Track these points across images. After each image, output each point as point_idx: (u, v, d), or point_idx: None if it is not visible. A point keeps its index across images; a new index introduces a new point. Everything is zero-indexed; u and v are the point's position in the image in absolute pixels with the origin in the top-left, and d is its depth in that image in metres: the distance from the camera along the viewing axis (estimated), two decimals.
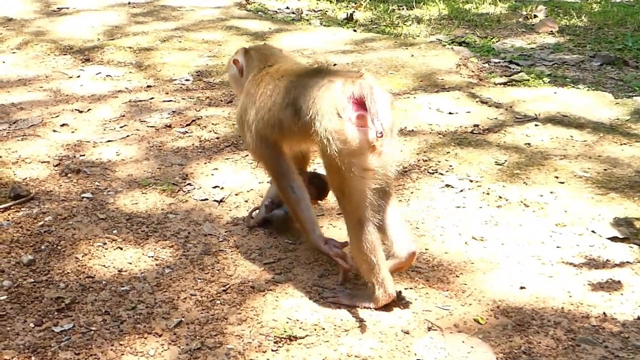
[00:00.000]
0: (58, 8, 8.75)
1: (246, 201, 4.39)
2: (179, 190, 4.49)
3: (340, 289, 3.49)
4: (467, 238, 3.97)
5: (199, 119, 5.51)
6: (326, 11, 9.31)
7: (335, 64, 6.55)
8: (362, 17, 9.01)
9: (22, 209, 4.26)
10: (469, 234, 4.00)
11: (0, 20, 8.33)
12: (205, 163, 4.86)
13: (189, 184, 4.57)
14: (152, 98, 5.97)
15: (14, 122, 5.51)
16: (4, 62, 6.98)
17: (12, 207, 4.27)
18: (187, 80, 6.36)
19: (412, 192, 4.44)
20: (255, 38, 7.45)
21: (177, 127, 5.39)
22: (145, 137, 5.24)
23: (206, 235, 4.02)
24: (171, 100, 5.90)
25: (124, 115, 5.63)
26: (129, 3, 8.88)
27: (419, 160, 4.76)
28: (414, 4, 9.60)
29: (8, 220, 4.12)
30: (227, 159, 4.90)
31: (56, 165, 4.81)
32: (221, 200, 4.40)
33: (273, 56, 3.73)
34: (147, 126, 5.42)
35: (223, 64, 6.64)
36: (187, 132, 5.32)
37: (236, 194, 4.48)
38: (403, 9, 9.58)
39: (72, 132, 5.35)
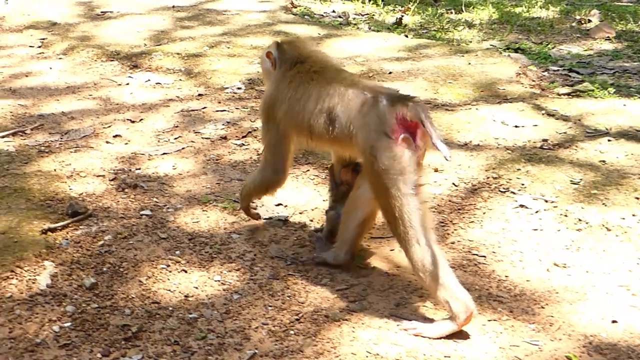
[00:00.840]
0: (102, 12, 8.62)
1: (311, 220, 4.21)
2: (240, 208, 4.29)
3: (419, 321, 3.29)
4: (548, 264, 3.76)
5: (254, 130, 5.34)
6: (373, 15, 9.09)
7: (390, 72, 6.33)
8: (411, 21, 8.79)
9: (80, 226, 4.11)
10: (550, 260, 3.79)
11: (45, 24, 8.18)
12: None
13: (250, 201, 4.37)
14: (205, 107, 5.80)
15: (66, 132, 5.37)
16: (51, 68, 6.85)
17: (70, 225, 4.10)
18: (238, 88, 6.18)
19: (484, 213, 4.22)
20: None
21: (232, 138, 5.22)
22: (201, 149, 5.07)
23: (273, 257, 3.84)
24: (224, 110, 5.72)
25: (177, 126, 5.46)
26: (174, 7, 8.72)
27: (488, 178, 4.55)
28: (462, 7, 9.33)
29: (67, 239, 3.96)
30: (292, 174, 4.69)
31: (112, 180, 4.65)
32: (285, 220, 4.21)
33: (305, 51, 3.69)
34: (202, 138, 5.25)
35: None
36: (243, 144, 5.14)
37: (300, 213, 4.29)
38: (452, 12, 9.35)
39: (126, 143, 5.18)
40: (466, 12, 9.34)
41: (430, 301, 3.47)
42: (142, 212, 4.27)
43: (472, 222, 4.15)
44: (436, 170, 4.64)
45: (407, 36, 7.81)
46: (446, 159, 2.98)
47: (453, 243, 3.98)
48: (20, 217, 4.13)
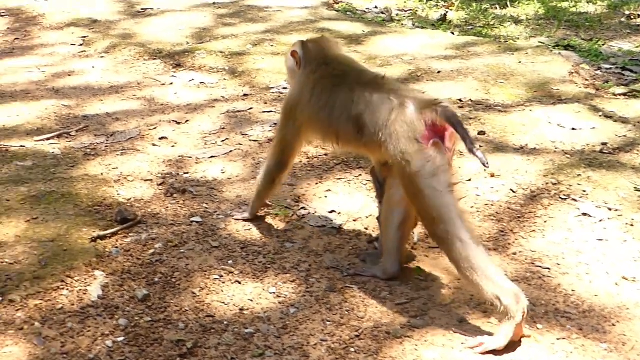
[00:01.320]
0: (142, 9, 8.53)
1: (366, 229, 4.08)
2: (292, 215, 4.19)
3: (482, 338, 3.16)
4: (616, 278, 3.60)
5: None
6: (416, 10, 8.92)
7: (439, 72, 6.17)
8: (456, 17, 8.61)
9: (130, 234, 4.01)
10: (617, 273, 3.63)
11: (85, 21, 8.11)
12: (316, 184, 4.55)
13: (302, 207, 4.27)
14: (251, 108, 5.68)
15: (111, 134, 5.27)
16: (93, 67, 6.76)
17: (119, 232, 4.00)
18: (284, 88, 6.06)
19: (545, 222, 4.06)
20: (350, 42, 7.12)
21: None
22: (249, 152, 4.95)
23: (328, 268, 3.72)
24: (271, 111, 5.60)
25: (224, 128, 5.35)
26: (214, 3, 8.62)
27: (547, 184, 4.38)
28: (507, 2, 9.12)
29: (117, 247, 3.86)
30: (339, 179, 4.59)
31: (160, 184, 4.54)
32: (339, 228, 4.08)
33: (330, 52, 3.67)
34: (250, 140, 5.14)
35: None
36: None
37: (354, 220, 4.17)
38: (496, 7, 9.14)
39: (172, 146, 5.08)
40: (511, 7, 9.09)
41: (483, 306, 3.36)
42: (192, 219, 4.16)
43: (533, 231, 4.00)
44: (492, 176, 4.48)
45: (453, 33, 7.62)
46: (485, 166, 2.99)
47: (515, 254, 3.83)
48: (69, 223, 4.03)
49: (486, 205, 4.26)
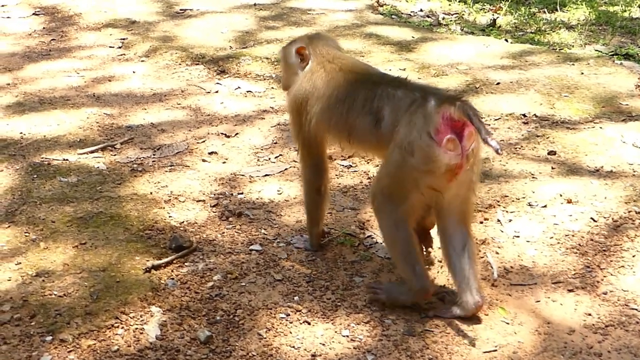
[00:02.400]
0: (181, 9, 8.23)
1: (440, 261, 3.72)
2: (359, 244, 3.88)
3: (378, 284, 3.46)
4: None
5: None
6: (462, 14, 8.57)
7: (498, 83, 5.83)
8: (505, 22, 8.24)
9: (185, 263, 3.71)
10: None
11: (123, 22, 7.82)
12: None
13: (369, 235, 3.96)
14: None
15: (158, 147, 4.98)
16: (134, 72, 6.47)
17: (174, 261, 3.69)
18: None
19: (634, 256, 3.75)
20: (399, 48, 6.80)
21: (338, 158, 4.78)
22: None
23: (404, 308, 3.37)
24: None
25: (276, 142, 5.04)
26: (255, 4, 8.31)
27: (630, 212, 4.04)
28: (557, 6, 8.75)
29: (173, 278, 3.57)
30: None
31: (214, 206, 4.26)
32: None
33: (334, 49, 3.68)
34: None
35: None
36: (350, 165, 4.70)
37: (426, 252, 3.81)
38: (544, 12, 8.75)
39: (224, 162, 4.78)
40: (560, 11, 8.73)
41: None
42: (251, 247, 3.87)
43: (622, 266, 3.68)
44: (570, 202, 4.14)
45: (507, 40, 7.26)
46: (497, 153, 2.91)
47: (605, 294, 3.51)
48: (120, 250, 3.75)
49: (567, 235, 3.94)
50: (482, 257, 3.81)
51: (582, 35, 7.81)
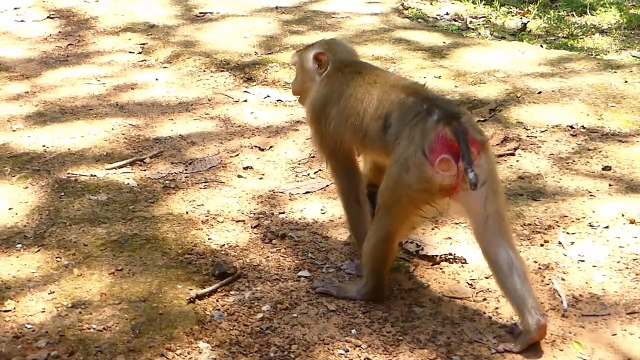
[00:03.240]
0: (201, 13, 7.96)
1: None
2: (413, 270, 3.58)
3: (329, 280, 3.52)
4: None
5: None
6: (489, 18, 8.30)
7: (539, 92, 5.56)
8: (535, 26, 7.97)
9: (230, 292, 3.45)
10: None
11: (142, 26, 7.54)
12: (432, 229, 3.97)
13: (418, 256, 3.67)
14: None
15: (190, 162, 4.72)
16: (157, 79, 6.21)
17: (218, 289, 3.42)
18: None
19: None
20: (432, 55, 6.53)
21: None
22: None
23: (471, 342, 3.13)
24: None
25: (313, 156, 4.78)
26: (277, 8, 8.04)
27: None
28: (587, 9, 8.48)
29: (219, 309, 3.31)
30: (456, 223, 4.01)
31: (255, 227, 4.00)
32: (471, 285, 3.48)
33: (351, 53, 3.67)
34: None
35: None
36: None
37: (486, 277, 3.54)
38: (573, 15, 8.48)
39: (260, 178, 4.52)
40: (590, 14, 8.46)
41: None
42: (299, 274, 3.60)
43: None
44: (633, 222, 3.88)
45: (542, 46, 6.99)
46: (471, 187, 2.83)
47: None
48: (160, 277, 3.49)
49: (635, 260, 3.70)
50: (547, 284, 3.56)
51: (616, 40, 7.53)
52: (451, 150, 2.93)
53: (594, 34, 7.75)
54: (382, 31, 7.34)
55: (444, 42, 6.96)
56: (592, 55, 6.94)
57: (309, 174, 4.62)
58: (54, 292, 3.43)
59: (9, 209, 4.19)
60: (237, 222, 4.08)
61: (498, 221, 3.10)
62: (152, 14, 7.94)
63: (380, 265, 3.32)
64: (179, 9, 8.13)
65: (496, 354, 3.13)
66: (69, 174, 4.57)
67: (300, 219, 4.13)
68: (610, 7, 8.75)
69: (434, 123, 2.99)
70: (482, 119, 5.23)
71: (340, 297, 3.49)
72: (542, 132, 5.02)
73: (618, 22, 8.31)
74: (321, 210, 4.21)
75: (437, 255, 3.73)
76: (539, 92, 5.63)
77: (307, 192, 4.40)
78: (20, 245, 3.84)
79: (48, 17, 8.02)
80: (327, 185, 4.47)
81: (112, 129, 5.26)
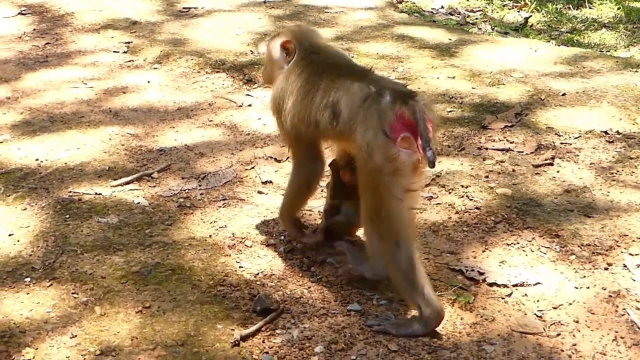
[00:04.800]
0: (185, 8, 7.51)
1: (576, 321, 3.10)
2: (474, 300, 3.20)
3: (384, 316, 3.22)
4: None
5: (438, 176, 4.21)
6: (486, 11, 7.95)
7: (563, 94, 5.23)
8: (535, 20, 7.65)
9: (276, 330, 3.02)
10: None
11: (122, 22, 7.07)
12: (483, 251, 3.62)
13: (484, 280, 3.29)
14: None
15: (202, 176, 4.33)
16: (148, 81, 5.75)
17: (263, 328, 3.00)
18: None
19: None
20: (440, 53, 6.20)
21: None
22: None
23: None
24: None
25: None
26: (265, 2, 7.63)
27: None
28: (585, 2, 8.20)
29: (267, 352, 2.95)
30: (508, 244, 3.67)
31: (288, 252, 3.66)
32: (540, 317, 3.13)
33: (319, 41, 3.55)
34: None
35: (420, 89, 5.43)
36: (431, 196, 4.04)
37: (554, 307, 3.20)
38: (570, 8, 8.20)
39: (283, 193, 4.07)
40: (584, 7, 8.19)
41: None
42: (348, 307, 3.22)
43: None
44: None
45: (550, 42, 6.65)
46: (429, 166, 2.88)
47: None
48: (195, 315, 3.09)
49: None
50: (622, 315, 3.19)
51: (622, 36, 7.24)
52: (410, 129, 2.94)
53: (597, 29, 7.44)
54: (381, 27, 6.96)
55: (450, 39, 6.62)
56: (602, 52, 6.62)
57: None
58: (76, 335, 3.01)
59: (9, 235, 3.74)
60: (267, 246, 3.68)
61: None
62: (133, 9, 7.46)
63: (415, 276, 3.09)
64: (160, 4, 7.67)
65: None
66: (70, 192, 4.12)
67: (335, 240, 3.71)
68: (605, 1, 8.46)
69: (389, 103, 2.98)
70: (509, 124, 4.88)
71: (400, 336, 3.16)
72: (576, 138, 4.69)
73: (617, 15, 8.05)
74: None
75: (503, 284, 3.33)
76: (563, 94, 5.32)
77: None
78: (28, 278, 3.38)
79: (19, 13, 7.49)
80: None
81: (110, 139, 4.80)
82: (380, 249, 3.12)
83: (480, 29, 7.38)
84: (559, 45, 6.64)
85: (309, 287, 3.40)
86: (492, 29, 7.33)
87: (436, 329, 3.11)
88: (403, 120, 2.96)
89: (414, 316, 3.12)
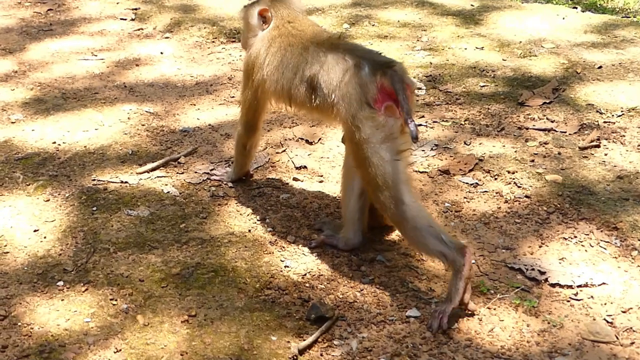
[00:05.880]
0: None
1: None
2: (538, 305, 3.00)
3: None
4: None
5: (481, 160, 3.98)
6: None
7: (599, 67, 4.99)
8: None
9: (333, 341, 2.83)
10: None
11: None
12: (539, 246, 3.41)
13: (539, 285, 3.09)
14: None
15: (232, 161, 4.00)
16: (161, 52, 5.47)
17: (319, 339, 2.80)
18: (419, 88, 4.82)
19: None
20: (464, 20, 5.98)
21: (457, 173, 3.93)
22: (425, 190, 3.85)
23: None
24: (420, 125, 4.36)
25: None
26: None
27: None
28: None
29: None
30: (565, 238, 3.46)
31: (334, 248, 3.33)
32: (610, 324, 2.94)
33: (295, 12, 3.52)
34: (414, 170, 3.90)
35: (449, 62, 5.13)
36: (477, 183, 3.81)
37: (624, 311, 3.01)
38: None
39: (320, 181, 4.03)
40: None
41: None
42: (407, 313, 2.99)
43: None
44: None
45: (576, 7, 6.40)
46: (413, 140, 2.88)
47: None
48: (246, 325, 2.90)
49: None
50: None
51: None
52: (391, 98, 2.97)
53: None
54: None
55: (472, 5, 6.37)
56: (628, 17, 6.35)
57: None
58: (120, 349, 2.79)
59: (35, 230, 3.48)
60: (311, 241, 3.42)
61: None
62: None
63: (430, 229, 3.07)
64: None
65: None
66: (94, 180, 3.86)
67: (383, 235, 3.50)
68: None
69: (369, 75, 2.99)
70: (547, 101, 4.65)
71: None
72: (619, 116, 4.47)
73: None
74: None
75: (567, 285, 3.13)
76: (599, 67, 5.09)
77: None
78: (61, 282, 3.15)
79: None
80: None
81: (128, 118, 4.53)
82: (391, 212, 3.08)
83: None
84: (583, 11, 6.33)
85: (362, 290, 3.18)
86: None
87: (471, 262, 3.03)
88: (384, 90, 2.97)
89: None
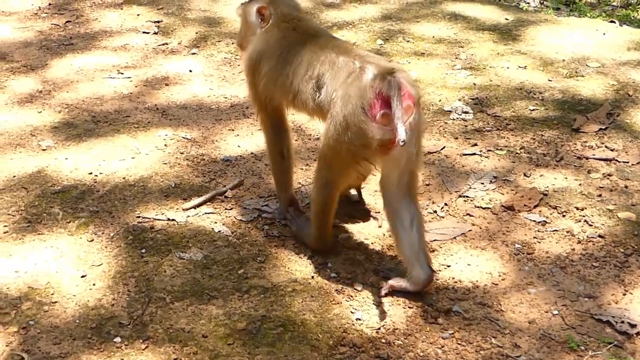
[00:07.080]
0: None
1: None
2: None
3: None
4: None
5: (545, 195, 3.77)
6: None
7: None
8: None
9: None
10: None
11: None
12: (623, 293, 3.24)
13: (630, 340, 2.89)
14: (444, 148, 4.20)
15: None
16: (190, 70, 5.24)
17: None
18: (465, 112, 4.61)
19: None
20: (501, 36, 5.79)
21: (522, 209, 3.72)
22: (491, 230, 3.64)
23: None
24: (474, 154, 4.14)
25: (428, 184, 3.91)
26: None
27: None
28: None
29: None
30: None
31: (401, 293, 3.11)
32: None
33: (294, 11, 3.54)
34: (476, 206, 3.70)
35: (493, 82, 4.92)
36: (545, 221, 3.59)
37: None
38: None
39: (375, 218, 3.61)
40: None
41: None
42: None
43: None
44: None
45: (613, 22, 6.20)
46: (399, 144, 2.80)
47: None
48: None
49: None
50: None
51: None
52: (389, 106, 2.89)
53: None
54: (428, 4, 6.49)
55: (507, 19, 6.16)
56: None
57: (435, 211, 3.74)
58: None
59: (82, 276, 3.24)
60: (379, 289, 3.19)
61: (411, 178, 3.18)
62: None
63: (322, 214, 3.31)
64: None
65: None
66: (138, 217, 3.63)
67: (455, 282, 3.31)
68: None
69: (370, 80, 2.96)
70: (603, 127, 4.42)
71: (297, 235, 3.60)
72: None
73: None
74: (476, 265, 3.36)
75: None
76: None
77: (450, 239, 3.52)
78: (118, 338, 2.92)
79: None
80: (469, 231, 3.62)
81: (165, 145, 4.29)
82: (314, 183, 3.28)
83: (528, 2, 6.84)
84: (621, 26, 6.12)
85: (442, 347, 2.97)
86: (541, 3, 6.79)
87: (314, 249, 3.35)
88: (382, 97, 2.93)
89: None
